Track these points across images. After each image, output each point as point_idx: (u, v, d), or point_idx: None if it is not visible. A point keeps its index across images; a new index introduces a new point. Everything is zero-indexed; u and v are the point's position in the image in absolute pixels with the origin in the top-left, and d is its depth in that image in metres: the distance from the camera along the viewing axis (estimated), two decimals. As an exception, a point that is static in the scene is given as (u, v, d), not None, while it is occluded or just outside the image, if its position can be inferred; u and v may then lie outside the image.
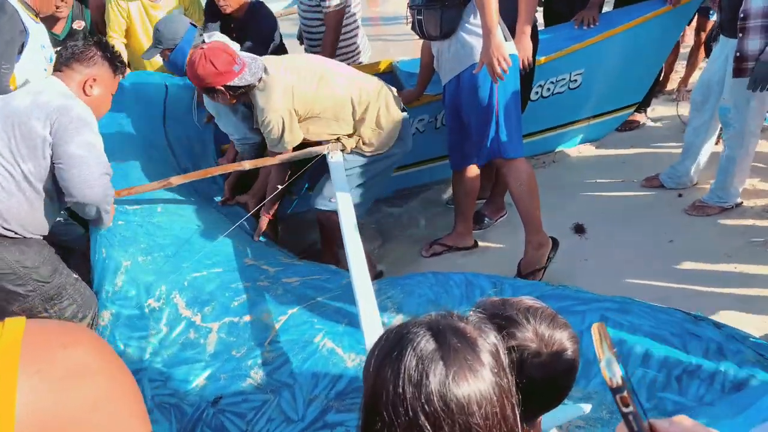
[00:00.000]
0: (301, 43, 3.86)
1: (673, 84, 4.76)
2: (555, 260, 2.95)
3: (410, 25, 2.88)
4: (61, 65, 2.18)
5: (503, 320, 0.97)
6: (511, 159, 2.83)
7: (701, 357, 1.98)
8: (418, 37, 2.91)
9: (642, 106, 4.20)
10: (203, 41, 2.78)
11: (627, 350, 2.06)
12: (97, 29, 3.53)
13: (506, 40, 2.71)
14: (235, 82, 2.48)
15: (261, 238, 2.95)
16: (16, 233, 2.10)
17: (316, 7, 3.45)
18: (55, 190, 2.15)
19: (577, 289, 2.45)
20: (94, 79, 2.19)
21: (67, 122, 2.03)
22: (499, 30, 2.60)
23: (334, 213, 2.76)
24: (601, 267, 2.92)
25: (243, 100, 2.63)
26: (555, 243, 2.94)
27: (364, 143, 2.75)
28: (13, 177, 2.03)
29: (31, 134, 2.02)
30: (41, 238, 2.21)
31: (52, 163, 2.07)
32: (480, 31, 2.62)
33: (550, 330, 0.99)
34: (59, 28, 3.36)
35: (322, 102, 2.62)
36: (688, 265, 2.87)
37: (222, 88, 2.49)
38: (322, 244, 3.15)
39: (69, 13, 3.35)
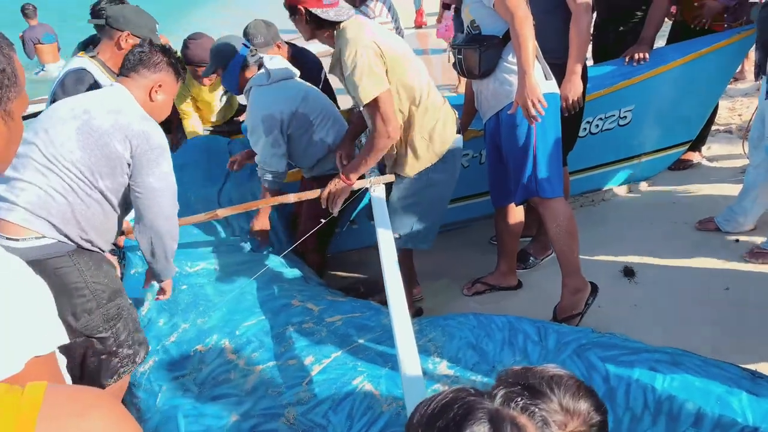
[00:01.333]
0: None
1: (728, 119, 4.61)
2: (602, 305, 2.86)
3: (452, 63, 2.89)
4: (128, 71, 2.19)
5: (526, 390, 0.94)
6: (548, 199, 2.78)
7: (760, 419, 1.87)
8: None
9: (696, 144, 4.08)
10: (258, 61, 2.92)
11: (677, 408, 1.96)
12: None
13: (547, 79, 2.71)
14: (318, 12, 2.48)
15: (309, 274, 3.02)
16: (91, 244, 2.10)
17: None
18: (124, 205, 2.18)
19: (625, 338, 2.36)
20: (160, 85, 2.21)
21: (149, 150, 2.07)
22: (536, 70, 2.60)
23: (402, 251, 2.80)
24: (651, 314, 2.81)
25: (319, 36, 2.59)
26: (594, 288, 2.85)
27: (411, 153, 2.70)
28: (91, 189, 2.04)
29: (112, 155, 2.04)
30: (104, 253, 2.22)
31: (129, 182, 2.11)
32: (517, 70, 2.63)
33: (575, 401, 0.95)
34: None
35: (395, 72, 2.54)
36: (745, 317, 2.73)
37: (302, 10, 2.49)
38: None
39: None
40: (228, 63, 2.87)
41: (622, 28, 3.73)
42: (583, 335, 2.37)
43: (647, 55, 3.58)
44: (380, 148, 2.56)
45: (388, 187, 2.86)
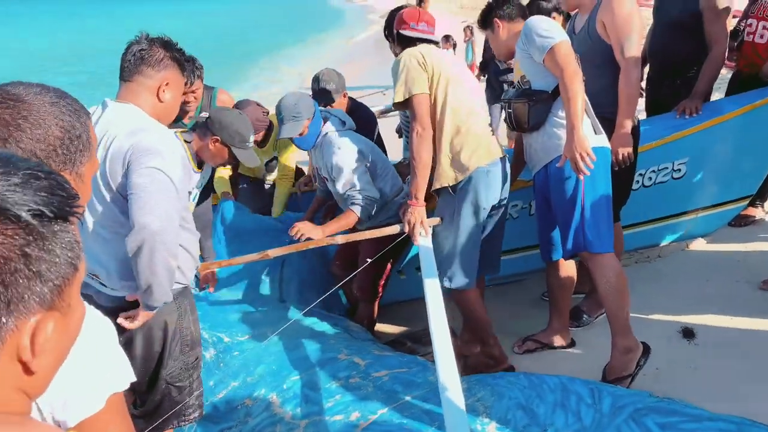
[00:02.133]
0: (400, 136, 4.00)
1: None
2: (659, 366, 2.74)
3: (503, 118, 2.93)
4: (131, 74, 2.00)
5: None
6: (597, 254, 2.72)
7: (836, 498, 1.73)
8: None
9: (757, 199, 3.94)
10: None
11: (745, 482, 1.84)
12: None
13: (596, 133, 2.72)
14: (405, 32, 2.81)
15: (354, 327, 3.01)
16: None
17: None
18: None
19: (685, 404, 2.24)
20: (167, 84, 2.05)
21: (136, 156, 1.86)
22: (585, 124, 2.62)
23: (460, 292, 2.84)
24: (713, 378, 2.66)
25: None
26: (646, 349, 2.73)
27: (436, 168, 2.76)
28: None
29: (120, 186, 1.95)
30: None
31: None
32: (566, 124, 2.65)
33: None
34: (188, 119, 3.66)
35: (436, 85, 2.70)
36: (816, 382, 2.56)
37: (395, 32, 2.87)
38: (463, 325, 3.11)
39: (198, 104, 3.65)
40: (315, 112, 2.96)
41: (677, 81, 3.68)
42: (640, 399, 2.27)
43: (700, 108, 3.51)
44: (418, 150, 2.66)
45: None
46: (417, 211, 2.74)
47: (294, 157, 3.74)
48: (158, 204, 1.81)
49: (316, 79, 3.51)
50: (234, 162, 2.88)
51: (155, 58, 2.00)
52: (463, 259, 2.82)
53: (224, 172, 3.78)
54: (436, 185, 2.79)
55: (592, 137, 2.65)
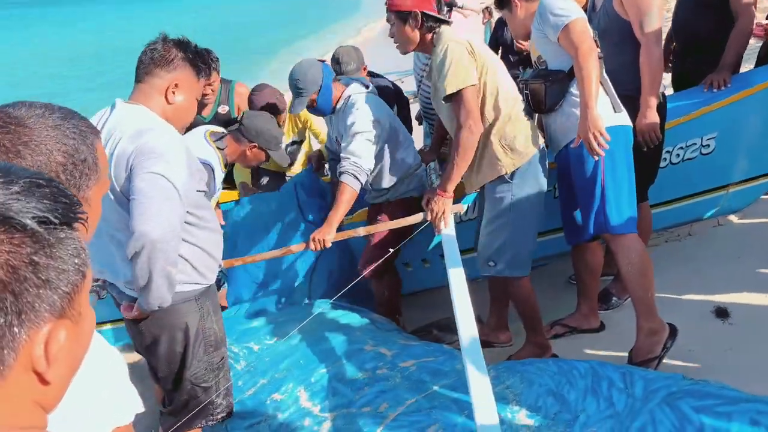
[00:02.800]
0: (420, 123, 3.96)
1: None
2: (692, 348, 2.68)
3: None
4: (142, 74, 1.99)
5: None
6: (619, 235, 2.67)
7: None
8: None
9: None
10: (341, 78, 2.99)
11: (786, 465, 1.79)
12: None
13: (616, 111, 2.66)
14: (431, 12, 2.60)
15: (381, 317, 3.00)
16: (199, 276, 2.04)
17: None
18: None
19: (721, 385, 2.19)
20: (177, 84, 1.99)
21: (139, 159, 1.83)
22: (602, 102, 2.58)
23: (512, 279, 2.79)
24: (750, 359, 2.59)
25: (423, 44, 2.67)
26: (673, 330, 2.68)
27: (488, 159, 2.68)
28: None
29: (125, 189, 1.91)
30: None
31: None
32: None
33: None
34: (207, 111, 3.69)
35: (485, 73, 2.60)
36: None
37: (419, 14, 2.58)
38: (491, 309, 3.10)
39: (216, 97, 3.67)
40: (322, 84, 2.85)
41: (703, 55, 3.57)
42: (674, 382, 2.22)
43: (728, 80, 3.40)
44: (466, 145, 2.55)
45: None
46: (444, 203, 2.70)
47: (322, 122, 3.70)
48: (159, 211, 1.77)
49: (336, 61, 3.49)
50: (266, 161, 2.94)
51: (166, 58, 1.97)
52: (523, 246, 2.76)
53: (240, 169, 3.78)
54: (490, 177, 2.70)
55: (610, 116, 2.60)
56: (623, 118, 2.69)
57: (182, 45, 2.01)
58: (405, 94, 3.85)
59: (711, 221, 3.75)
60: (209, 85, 3.44)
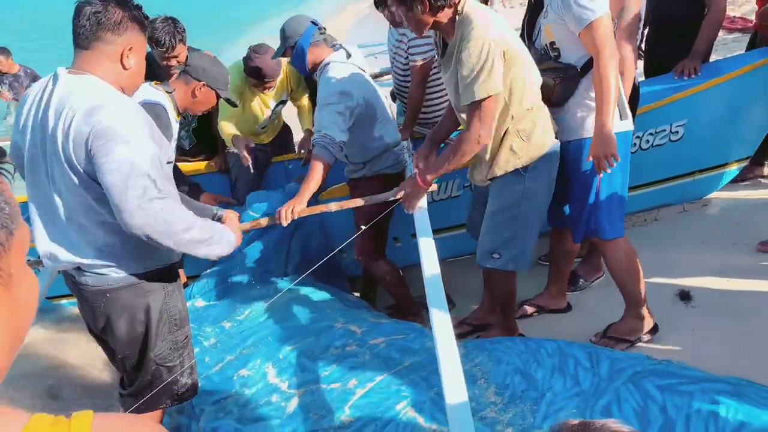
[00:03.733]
0: (394, 100, 3.92)
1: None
2: (658, 331, 2.73)
3: None
4: (89, 40, 1.80)
5: None
6: (607, 240, 2.68)
7: (835, 456, 1.74)
8: None
9: (762, 157, 3.91)
10: (328, 39, 2.87)
11: (744, 442, 1.84)
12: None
13: (622, 119, 2.56)
14: None
15: (351, 295, 2.99)
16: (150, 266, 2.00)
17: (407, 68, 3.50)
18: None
19: (683, 365, 2.25)
20: (131, 48, 1.85)
21: (98, 144, 1.73)
22: (614, 118, 2.45)
23: (505, 273, 2.73)
24: (711, 341, 2.66)
25: (438, 25, 2.38)
26: (655, 328, 2.76)
27: (505, 150, 2.53)
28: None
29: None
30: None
31: None
32: (592, 105, 2.49)
33: None
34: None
35: (510, 69, 2.37)
36: (813, 342, 2.57)
37: None
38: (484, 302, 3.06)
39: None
40: (297, 40, 2.82)
41: (675, 42, 3.61)
42: (639, 362, 2.27)
43: (699, 68, 3.45)
44: (467, 152, 2.42)
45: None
46: (420, 193, 2.57)
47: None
48: (138, 203, 1.74)
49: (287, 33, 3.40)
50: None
51: (113, 20, 1.79)
52: (530, 240, 2.69)
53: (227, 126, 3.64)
54: (506, 169, 2.54)
55: (616, 123, 2.47)
56: (627, 124, 2.61)
57: (123, 3, 1.84)
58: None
59: (677, 207, 3.82)
60: (175, 57, 3.35)
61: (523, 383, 2.27)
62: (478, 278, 3.10)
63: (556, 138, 2.58)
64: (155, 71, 3.39)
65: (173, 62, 3.35)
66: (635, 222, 3.70)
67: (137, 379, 2.08)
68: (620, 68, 2.67)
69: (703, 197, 3.87)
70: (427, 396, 2.24)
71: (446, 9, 2.30)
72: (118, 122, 1.74)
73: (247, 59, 3.41)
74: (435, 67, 3.39)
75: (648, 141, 3.54)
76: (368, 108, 2.85)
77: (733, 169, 3.84)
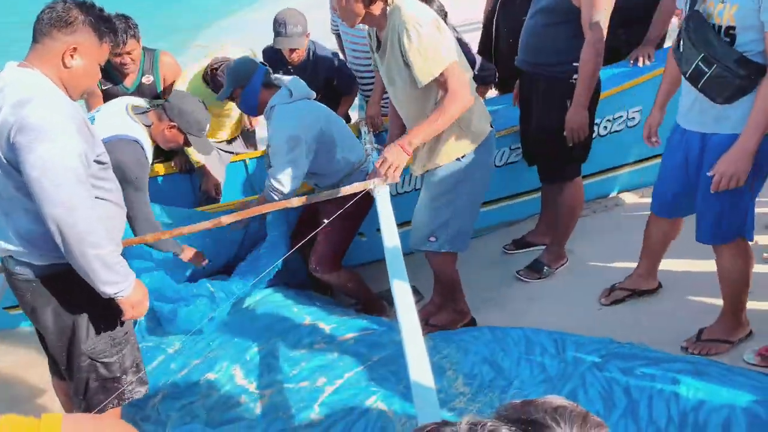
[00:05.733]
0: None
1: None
2: (621, 313, 2.78)
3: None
4: (40, 34, 1.84)
5: (529, 425, 0.87)
6: (744, 241, 2.44)
7: (791, 428, 1.79)
8: None
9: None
10: (277, 80, 2.89)
11: (703, 419, 1.89)
12: (164, 95, 3.66)
13: None
14: None
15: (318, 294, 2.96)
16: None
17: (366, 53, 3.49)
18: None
19: (645, 347, 2.30)
20: (75, 48, 1.84)
21: (21, 138, 1.74)
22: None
23: (447, 255, 2.72)
24: (673, 323, 2.72)
25: (369, 17, 2.38)
26: (750, 333, 2.60)
27: (445, 140, 2.53)
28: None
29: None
30: None
31: None
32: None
33: None
34: (129, 81, 3.51)
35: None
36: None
37: None
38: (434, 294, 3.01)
39: (139, 67, 3.49)
40: (248, 82, 2.82)
41: (630, 30, 3.67)
42: (602, 346, 2.32)
43: (652, 55, 3.52)
44: (447, 116, 2.34)
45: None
46: (402, 158, 2.40)
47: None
48: (57, 195, 1.73)
49: (282, 23, 3.36)
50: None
51: (65, 20, 1.82)
52: (466, 223, 2.70)
53: None
54: (447, 160, 2.55)
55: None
56: None
57: (84, 7, 1.86)
58: (348, 67, 3.77)
59: (637, 192, 3.89)
60: (128, 54, 3.28)
61: (490, 372, 2.29)
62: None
63: (491, 126, 2.62)
64: (109, 72, 3.32)
65: (126, 59, 3.29)
66: (596, 208, 3.76)
67: (72, 373, 2.06)
68: (589, 66, 2.76)
69: (661, 181, 3.95)
70: (396, 390, 2.24)
71: (379, 1, 2.32)
72: (41, 120, 1.74)
73: (213, 79, 3.33)
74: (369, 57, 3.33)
75: (606, 127, 3.60)
76: (323, 138, 2.84)
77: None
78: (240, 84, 2.85)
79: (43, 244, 1.88)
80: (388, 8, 2.36)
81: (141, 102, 2.83)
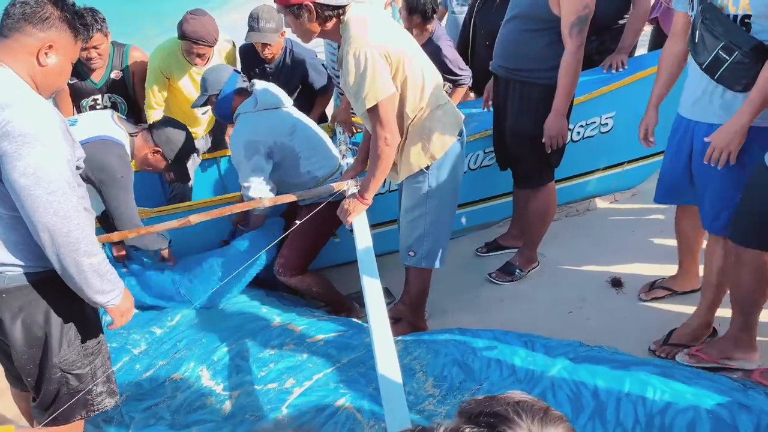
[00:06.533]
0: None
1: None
2: (590, 317, 2.81)
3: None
4: (10, 29, 1.74)
5: (492, 418, 0.88)
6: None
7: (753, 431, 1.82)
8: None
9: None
10: (249, 86, 2.93)
11: (669, 422, 1.91)
12: (135, 93, 3.60)
13: None
14: (327, 0, 2.23)
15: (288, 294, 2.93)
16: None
17: None
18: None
19: (614, 351, 2.31)
20: (50, 45, 1.76)
21: (7, 147, 1.65)
22: None
23: (424, 270, 2.72)
24: (641, 326, 2.74)
25: (325, 33, 2.35)
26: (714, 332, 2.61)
27: (405, 155, 2.54)
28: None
29: None
30: None
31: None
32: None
33: (543, 426, 0.89)
34: (98, 77, 3.45)
35: (400, 73, 2.34)
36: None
37: (311, 5, 2.23)
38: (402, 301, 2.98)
39: (107, 62, 3.43)
40: (221, 90, 2.87)
41: (604, 37, 3.72)
42: (572, 349, 2.32)
43: (625, 62, 3.57)
44: (383, 157, 2.38)
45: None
46: (360, 208, 2.54)
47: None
48: (50, 203, 1.65)
49: (255, 18, 3.35)
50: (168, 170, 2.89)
51: (40, 15, 1.73)
52: (441, 237, 2.68)
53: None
54: (413, 171, 2.54)
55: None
56: None
57: (58, 2, 1.78)
58: (324, 67, 3.75)
59: (608, 197, 3.93)
60: (95, 48, 3.21)
61: (460, 374, 2.28)
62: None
63: (460, 136, 2.57)
64: (76, 67, 3.25)
65: (93, 53, 3.22)
66: (569, 212, 3.79)
67: (42, 388, 1.94)
68: (569, 73, 2.76)
69: (632, 187, 4.00)
70: (366, 392, 2.22)
71: (333, 18, 2.30)
72: (28, 125, 1.65)
73: (182, 21, 3.30)
74: None
75: (579, 133, 3.63)
76: (284, 149, 2.84)
77: (660, 160, 3.97)
78: (214, 92, 2.89)
79: (17, 253, 1.79)
80: (341, 25, 2.32)
81: (126, 123, 2.79)
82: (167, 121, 2.90)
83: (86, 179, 2.48)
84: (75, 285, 1.76)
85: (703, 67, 2.30)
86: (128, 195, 2.58)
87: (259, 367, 2.37)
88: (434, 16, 3.53)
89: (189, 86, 3.51)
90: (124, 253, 2.92)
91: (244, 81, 2.92)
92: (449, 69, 3.52)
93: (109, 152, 2.51)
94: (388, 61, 2.28)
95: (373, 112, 2.30)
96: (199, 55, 3.34)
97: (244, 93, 2.90)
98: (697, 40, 2.31)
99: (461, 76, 3.61)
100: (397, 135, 2.38)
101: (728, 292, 2.49)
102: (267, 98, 2.88)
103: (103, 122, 2.62)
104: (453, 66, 3.54)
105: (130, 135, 2.69)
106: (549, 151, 2.92)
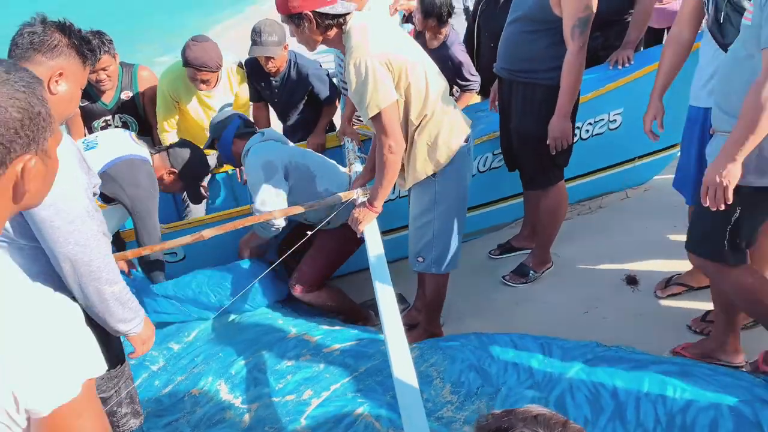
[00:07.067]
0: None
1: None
2: (606, 316, 2.78)
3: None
4: (18, 59, 1.73)
5: None
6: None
7: (777, 428, 1.79)
8: None
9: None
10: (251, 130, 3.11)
11: (691, 420, 1.89)
12: (145, 113, 3.65)
13: None
14: (327, 9, 2.26)
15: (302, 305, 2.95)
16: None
17: None
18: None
19: (632, 350, 2.29)
20: (60, 74, 1.75)
21: None
22: None
23: (437, 275, 2.72)
24: (659, 324, 2.72)
25: (327, 41, 2.38)
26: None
27: (412, 161, 2.54)
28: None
29: None
30: None
31: None
32: None
33: None
34: (108, 98, 3.49)
35: (403, 80, 2.35)
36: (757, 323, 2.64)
37: (311, 15, 2.26)
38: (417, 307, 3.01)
39: (117, 83, 3.47)
40: (222, 135, 3.01)
41: (608, 33, 3.70)
42: (589, 350, 2.31)
43: (631, 58, 3.54)
44: (388, 164, 2.39)
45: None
46: (370, 216, 2.55)
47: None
48: (71, 233, 1.67)
49: (257, 32, 3.38)
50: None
51: (49, 44, 1.73)
52: (450, 242, 2.67)
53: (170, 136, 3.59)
54: (421, 177, 2.55)
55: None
56: None
57: (65, 29, 1.78)
58: (329, 77, 3.76)
59: (620, 194, 3.91)
60: (104, 70, 3.25)
61: (478, 380, 2.28)
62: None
63: (466, 141, 2.57)
64: (86, 89, 3.30)
65: (102, 75, 3.27)
66: (581, 210, 3.77)
67: None
68: (571, 75, 2.74)
69: (644, 182, 3.97)
70: (383, 400, 2.22)
71: (334, 27, 2.32)
72: None
73: (184, 48, 3.35)
74: None
75: (588, 131, 3.61)
76: (299, 168, 2.91)
77: (672, 153, 3.95)
78: (216, 135, 3.07)
79: (43, 282, 1.81)
80: (342, 34, 2.34)
81: (143, 144, 2.83)
82: (184, 143, 2.99)
83: (113, 197, 2.57)
84: (97, 314, 1.77)
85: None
86: (156, 210, 2.65)
87: (276, 379, 2.38)
88: (449, 20, 3.54)
89: (197, 109, 3.56)
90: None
91: (246, 126, 3.10)
92: (461, 74, 3.54)
93: (140, 169, 2.60)
94: (390, 68, 2.30)
95: (377, 120, 2.33)
96: (203, 81, 3.40)
97: (245, 136, 3.03)
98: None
99: (471, 81, 3.62)
100: (402, 142, 2.40)
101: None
102: (272, 133, 3.07)
103: (126, 142, 2.69)
104: (465, 71, 3.57)
105: (151, 154, 2.79)
106: (554, 153, 2.92)
